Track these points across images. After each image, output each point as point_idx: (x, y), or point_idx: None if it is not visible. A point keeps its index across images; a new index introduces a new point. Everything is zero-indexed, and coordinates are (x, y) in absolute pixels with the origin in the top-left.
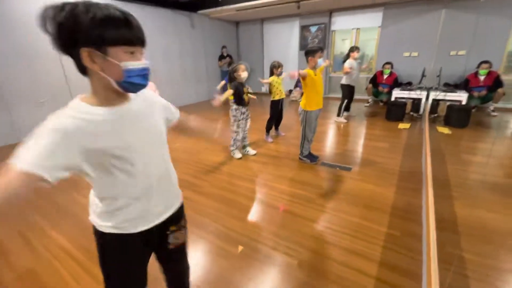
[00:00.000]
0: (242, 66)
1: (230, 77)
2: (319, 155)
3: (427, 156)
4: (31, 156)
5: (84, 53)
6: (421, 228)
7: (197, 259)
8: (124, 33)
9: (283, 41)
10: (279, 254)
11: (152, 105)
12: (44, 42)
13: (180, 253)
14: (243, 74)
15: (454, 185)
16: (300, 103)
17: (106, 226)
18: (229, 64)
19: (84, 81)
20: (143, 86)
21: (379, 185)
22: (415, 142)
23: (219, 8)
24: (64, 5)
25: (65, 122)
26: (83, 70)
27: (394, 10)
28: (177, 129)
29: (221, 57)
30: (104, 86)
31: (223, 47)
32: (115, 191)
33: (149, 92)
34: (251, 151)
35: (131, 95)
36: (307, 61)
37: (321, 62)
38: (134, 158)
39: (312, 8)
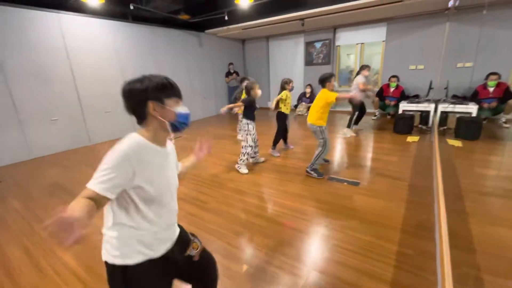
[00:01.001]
0: (257, 85)
1: (246, 92)
2: (326, 169)
3: (438, 170)
4: (100, 180)
5: (150, 104)
6: (434, 246)
7: None
8: (173, 90)
9: (288, 57)
10: (285, 274)
11: (174, 153)
12: (59, 64)
13: (209, 258)
14: (259, 92)
15: (467, 200)
16: (314, 121)
17: (126, 256)
18: (241, 80)
19: (96, 102)
20: (187, 125)
21: (388, 200)
22: (425, 155)
23: (225, 27)
24: (138, 79)
25: (127, 150)
26: (142, 119)
27: (397, 25)
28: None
29: (228, 74)
30: (157, 129)
31: (230, 64)
32: (133, 221)
33: (170, 143)
34: (260, 158)
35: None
36: (324, 86)
37: (336, 85)
38: (161, 193)
39: (316, 25)
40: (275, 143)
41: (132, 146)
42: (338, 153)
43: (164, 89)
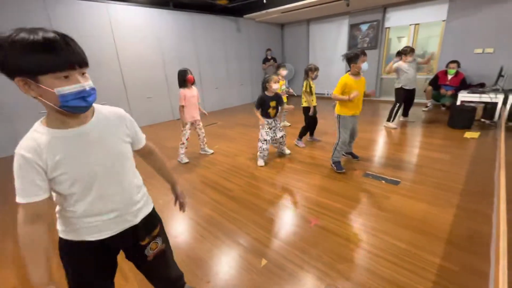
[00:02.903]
0: (275, 78)
1: (262, 86)
2: (362, 163)
3: (501, 173)
4: (20, 190)
5: (19, 82)
6: (488, 265)
7: (219, 267)
8: (49, 60)
9: (330, 41)
10: (306, 275)
11: (113, 124)
12: (107, 52)
13: (162, 261)
14: (274, 86)
15: None
16: (335, 108)
17: (61, 231)
18: (277, 67)
19: (139, 87)
20: (84, 107)
21: (434, 204)
22: (485, 155)
23: (264, 12)
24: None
25: (24, 147)
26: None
27: (463, 1)
28: (140, 155)
29: (265, 60)
30: (52, 109)
31: (268, 49)
32: (67, 204)
33: (114, 110)
34: (287, 150)
35: (89, 115)
36: (350, 67)
37: (366, 66)
38: (84, 181)
39: (363, 4)
40: (300, 135)
41: (25, 145)
42: (378, 147)
43: (32, 57)
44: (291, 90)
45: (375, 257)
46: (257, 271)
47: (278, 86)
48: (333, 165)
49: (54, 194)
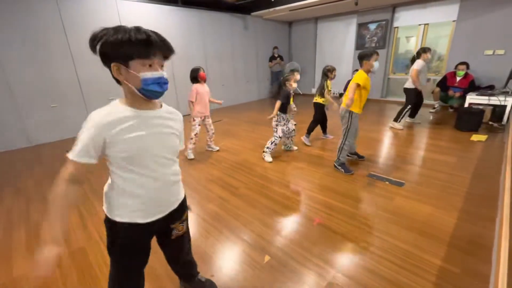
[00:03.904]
0: (295, 77)
1: (280, 84)
2: (366, 164)
3: (507, 177)
4: (76, 149)
5: (114, 67)
6: (489, 268)
7: (223, 262)
8: (141, 50)
9: (338, 40)
10: (308, 272)
11: (174, 121)
12: (59, 48)
13: (180, 242)
14: (294, 85)
15: None
16: (344, 103)
17: (113, 213)
18: (292, 71)
19: (98, 88)
20: (159, 92)
21: (438, 207)
22: (492, 158)
23: (272, 9)
24: (99, 32)
25: (98, 118)
26: (117, 80)
27: (474, 1)
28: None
29: (272, 58)
30: (131, 93)
31: (275, 47)
32: (124, 185)
33: (178, 114)
34: (294, 147)
35: (158, 105)
36: (361, 65)
37: (377, 65)
38: (145, 158)
39: (372, 3)
40: (309, 130)
41: (103, 115)
42: (383, 148)
43: (127, 47)
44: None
45: (377, 257)
46: (260, 267)
47: (296, 85)
48: (339, 167)
49: (111, 171)
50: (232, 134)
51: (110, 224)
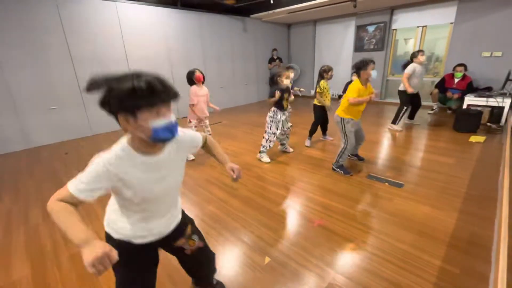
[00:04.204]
0: (287, 73)
1: (272, 80)
2: (365, 165)
3: (505, 178)
4: (78, 183)
5: (121, 117)
6: (488, 268)
7: (223, 264)
8: (148, 99)
9: (336, 42)
10: (308, 273)
11: (180, 148)
12: (115, 50)
13: (201, 257)
14: (285, 81)
15: None
16: (339, 111)
17: (112, 229)
18: (287, 68)
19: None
20: (170, 138)
21: (437, 208)
22: (490, 159)
23: (271, 12)
24: (99, 80)
25: (106, 163)
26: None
27: (472, 3)
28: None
29: (271, 60)
30: (140, 140)
31: (274, 49)
32: (127, 212)
33: (180, 134)
34: (290, 148)
35: (162, 145)
36: (358, 75)
37: (375, 74)
38: (149, 201)
39: (370, 6)
40: (311, 132)
41: (112, 159)
42: (382, 149)
43: (133, 98)
44: (302, 89)
45: (377, 258)
46: (261, 269)
47: (288, 81)
48: (338, 169)
49: (114, 198)
50: (231, 136)
51: (107, 238)
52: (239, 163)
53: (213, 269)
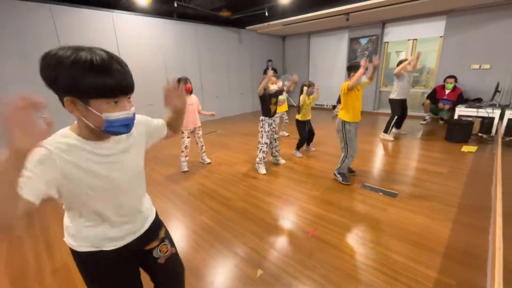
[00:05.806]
0: (273, 79)
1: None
2: (359, 175)
3: (498, 188)
4: (25, 182)
5: (67, 101)
6: (484, 279)
7: (214, 277)
8: (105, 85)
9: (330, 54)
10: (302, 286)
11: (136, 136)
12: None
13: (175, 266)
14: (272, 87)
15: None
16: (340, 114)
17: (75, 244)
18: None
19: (140, 94)
20: (123, 133)
21: (432, 218)
22: (483, 169)
23: (266, 24)
24: (48, 54)
25: (52, 143)
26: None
27: (460, 18)
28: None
29: (266, 71)
30: (87, 126)
31: (269, 60)
32: (83, 213)
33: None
34: (281, 160)
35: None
36: (349, 76)
37: (365, 77)
38: (105, 193)
39: (362, 19)
40: (298, 146)
41: (54, 142)
42: (376, 159)
43: (92, 81)
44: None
45: (371, 269)
46: (253, 282)
47: (275, 87)
48: (338, 175)
49: (64, 206)
50: (225, 146)
51: (73, 255)
52: (234, 173)
53: (183, 285)
